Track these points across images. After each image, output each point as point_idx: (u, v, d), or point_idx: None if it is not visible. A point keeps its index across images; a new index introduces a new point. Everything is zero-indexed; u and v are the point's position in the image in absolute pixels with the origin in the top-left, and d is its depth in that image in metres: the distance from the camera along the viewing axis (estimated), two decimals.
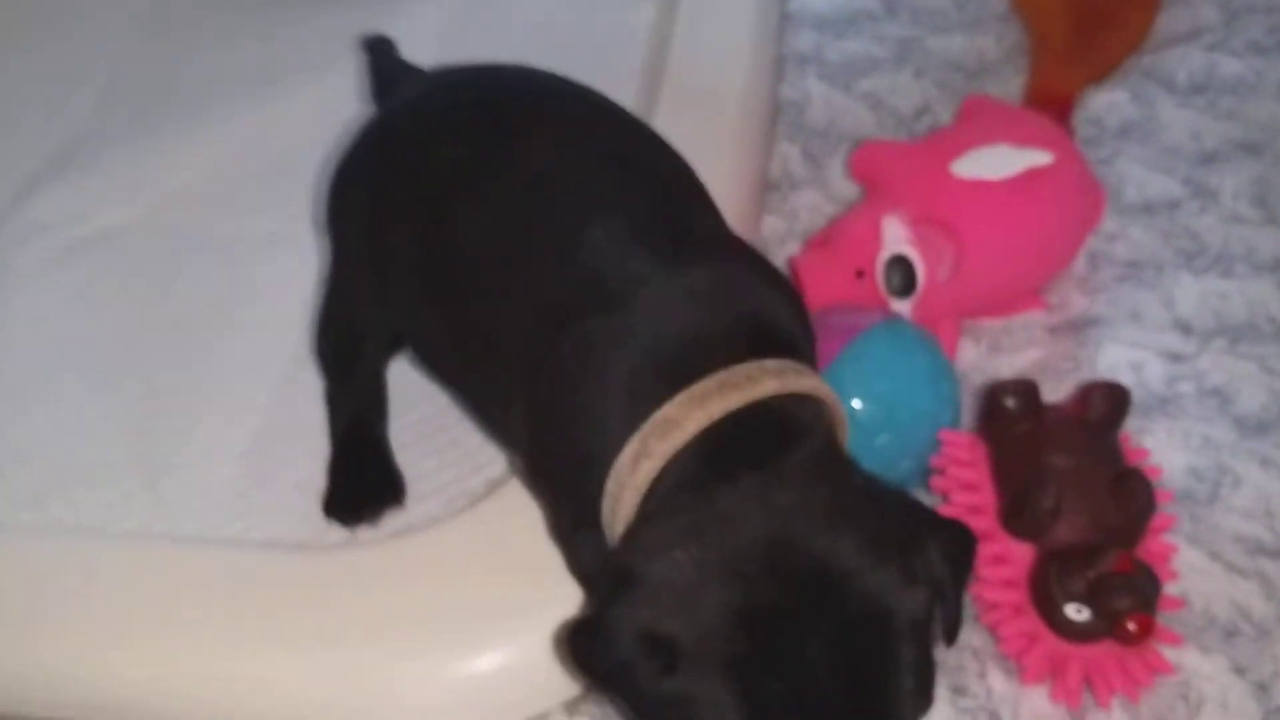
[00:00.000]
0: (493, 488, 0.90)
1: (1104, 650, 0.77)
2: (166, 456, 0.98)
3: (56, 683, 0.84)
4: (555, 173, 0.76)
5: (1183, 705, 0.77)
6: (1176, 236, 1.09)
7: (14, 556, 0.90)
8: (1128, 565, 0.77)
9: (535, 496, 0.79)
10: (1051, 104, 1.14)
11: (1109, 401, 0.84)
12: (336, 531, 0.92)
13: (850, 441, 0.72)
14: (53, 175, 1.19)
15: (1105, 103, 1.20)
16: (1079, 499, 0.78)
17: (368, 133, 0.88)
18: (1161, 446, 0.92)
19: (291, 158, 1.08)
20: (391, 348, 0.95)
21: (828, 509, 0.63)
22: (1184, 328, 1.01)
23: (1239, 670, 0.79)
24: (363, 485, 0.93)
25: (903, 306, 0.96)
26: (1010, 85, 1.23)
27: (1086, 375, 0.98)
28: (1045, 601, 0.78)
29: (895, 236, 0.96)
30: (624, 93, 1.04)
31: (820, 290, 0.96)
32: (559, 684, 0.81)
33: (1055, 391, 0.94)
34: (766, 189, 1.17)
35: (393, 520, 0.92)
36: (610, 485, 0.67)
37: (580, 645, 0.63)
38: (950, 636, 0.64)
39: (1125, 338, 1.01)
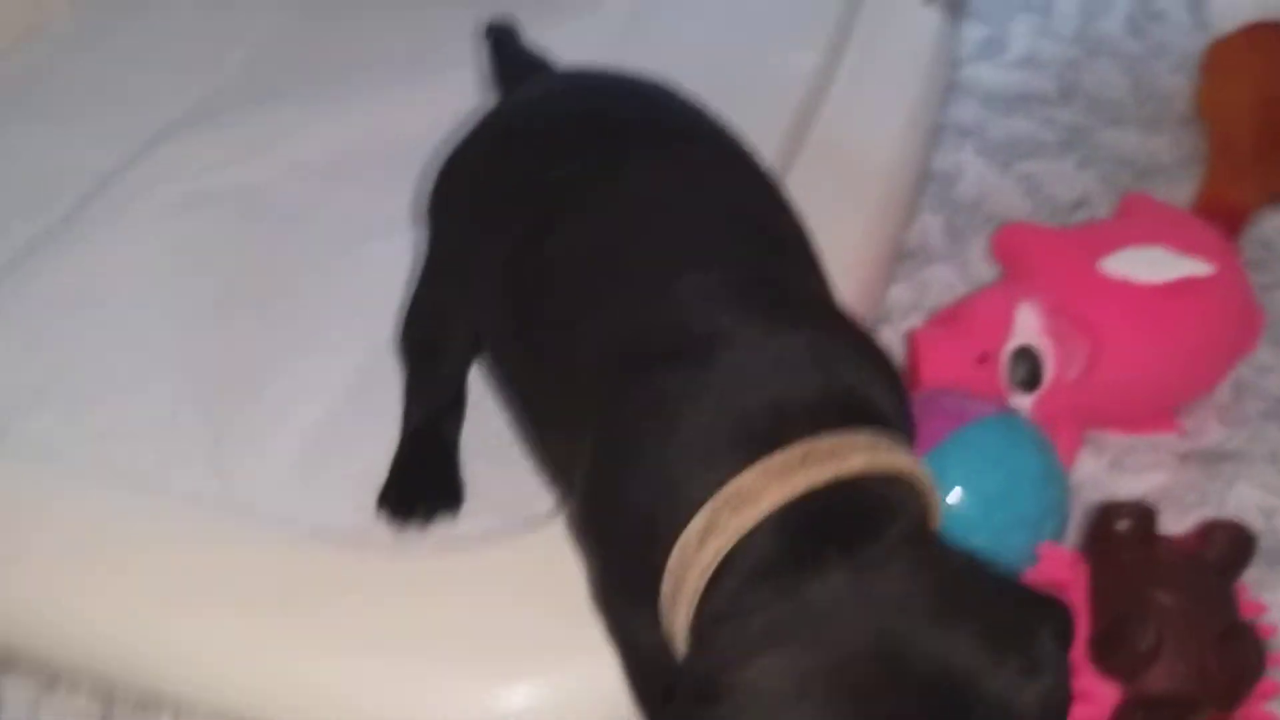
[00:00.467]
0: (555, 514, 0.85)
1: None
2: (233, 421, 0.95)
3: (72, 627, 0.81)
4: (663, 208, 0.71)
5: None
6: None
7: (58, 492, 0.87)
8: None
9: (581, 551, 0.73)
10: (1221, 216, 1.06)
11: (1232, 543, 0.76)
12: (384, 530, 0.87)
13: None
14: (187, 127, 1.19)
15: None
16: (1180, 645, 0.70)
17: (481, 128, 0.85)
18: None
19: (415, 146, 1.06)
20: (476, 350, 0.91)
21: (935, 600, 0.56)
22: None
23: None
24: (422, 486, 0.89)
25: (1023, 402, 0.89)
26: (1179, 191, 1.15)
27: (1212, 512, 0.90)
28: None
29: (1028, 325, 0.89)
30: (770, 133, 1.04)
31: (936, 370, 0.90)
32: None
33: (1175, 524, 0.86)
34: (900, 258, 1.11)
35: (443, 528, 0.87)
36: (673, 561, 0.60)
37: None
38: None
39: (1261, 479, 0.92)
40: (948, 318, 0.94)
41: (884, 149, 1.14)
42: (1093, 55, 1.34)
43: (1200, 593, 0.74)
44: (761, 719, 0.54)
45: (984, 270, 1.08)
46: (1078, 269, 0.91)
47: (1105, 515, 0.76)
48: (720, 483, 0.60)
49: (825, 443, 0.60)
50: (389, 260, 1.02)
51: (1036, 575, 0.78)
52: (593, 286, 0.70)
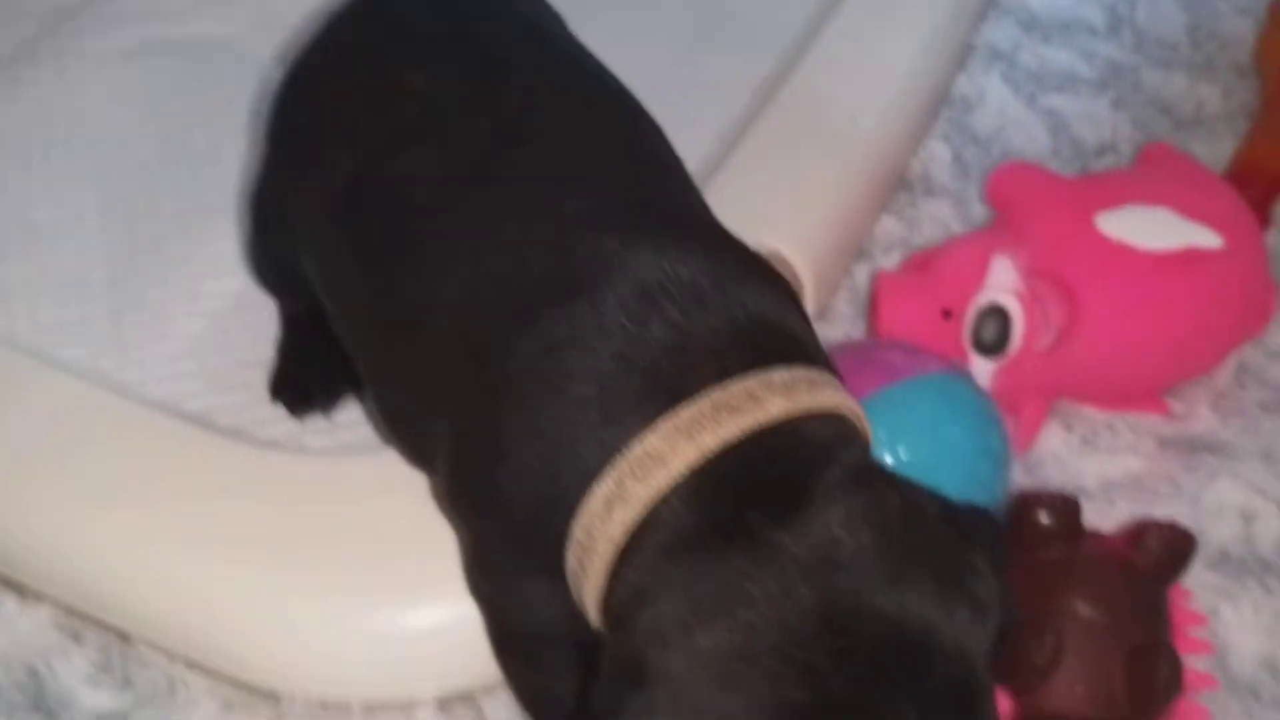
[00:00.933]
0: None
1: None
2: (141, 292, 0.90)
3: None
4: (537, 127, 0.63)
5: None
6: None
7: None
8: None
9: (454, 522, 0.65)
10: (1256, 182, 0.95)
11: (1167, 548, 0.67)
12: (282, 425, 0.81)
13: None
14: None
15: None
16: (1084, 663, 0.63)
17: (331, 29, 0.75)
18: (1239, 622, 0.75)
19: None
20: None
21: (878, 554, 0.50)
22: None
23: None
24: (315, 370, 0.82)
25: (985, 366, 0.80)
26: (1219, 149, 1.03)
27: (1185, 507, 0.81)
28: None
29: (1001, 281, 0.79)
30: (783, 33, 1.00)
31: (895, 321, 0.81)
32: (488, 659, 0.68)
33: (1137, 516, 0.78)
34: (896, 187, 1.01)
35: (336, 429, 0.81)
36: (578, 532, 0.53)
37: None
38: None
39: (1247, 477, 0.83)
40: (917, 264, 0.85)
41: (901, 66, 1.04)
42: None
43: (1122, 603, 0.65)
44: (702, 703, 0.48)
45: (983, 212, 0.98)
46: (1071, 224, 0.81)
47: (1025, 506, 0.67)
48: (623, 444, 0.53)
49: (737, 389, 0.53)
50: None
51: None
52: (455, 214, 0.62)
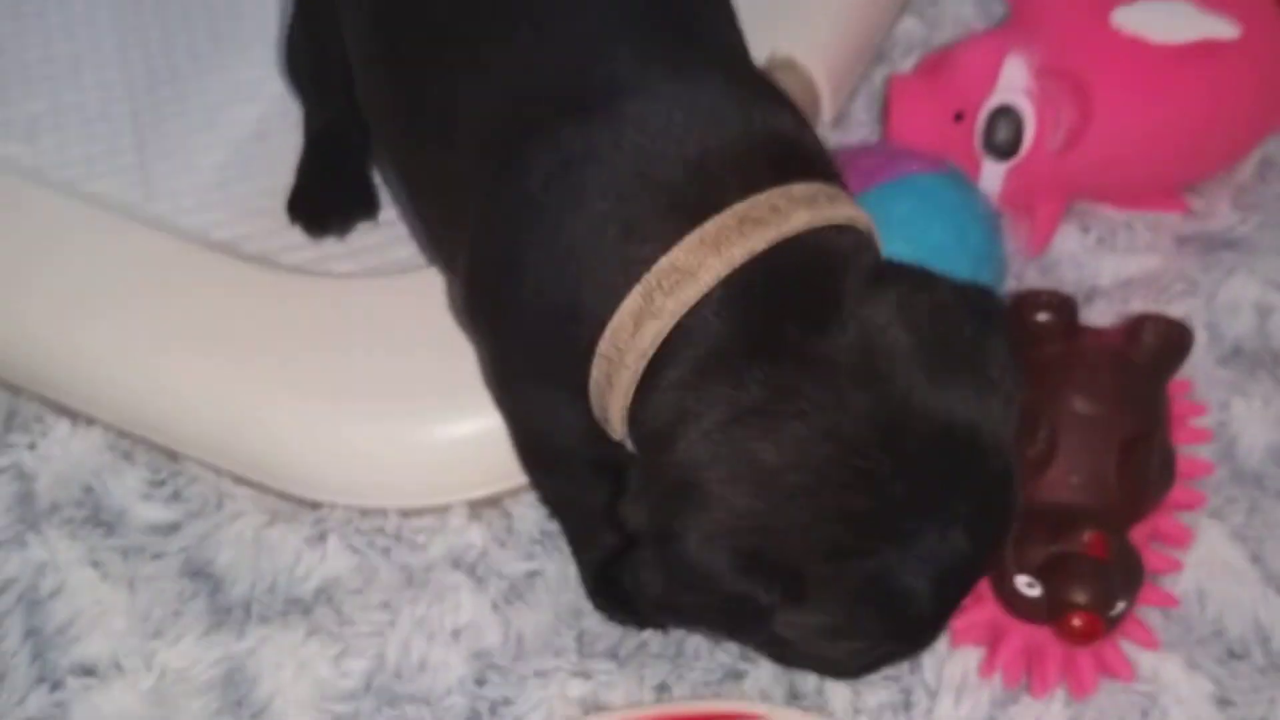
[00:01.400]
0: None
1: (1052, 635, 0.65)
2: (162, 124, 0.91)
3: None
4: None
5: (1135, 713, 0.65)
6: None
7: None
8: (1101, 550, 0.63)
9: (472, 334, 0.67)
10: None
11: (1163, 341, 0.68)
12: (303, 251, 0.83)
13: None
14: None
15: None
16: (1077, 455, 0.64)
17: None
18: (1250, 414, 0.76)
19: None
20: None
21: (916, 355, 0.52)
22: None
23: (1222, 702, 0.65)
24: (332, 191, 0.83)
25: (997, 169, 0.80)
26: None
27: (1200, 303, 0.82)
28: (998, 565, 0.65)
29: (1013, 81, 0.79)
30: None
31: (907, 123, 0.81)
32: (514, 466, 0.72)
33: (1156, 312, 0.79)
34: None
35: (363, 253, 0.83)
36: (604, 346, 0.54)
37: (653, 580, 0.53)
38: None
39: (1265, 272, 0.83)
40: (930, 66, 0.84)
41: None
42: None
43: (1114, 396, 0.66)
44: (760, 523, 0.50)
45: (1005, 11, 0.95)
46: (1085, 19, 0.80)
47: (1023, 304, 0.68)
48: (646, 259, 0.53)
49: (761, 202, 0.54)
50: None
51: None
52: (477, 28, 0.61)
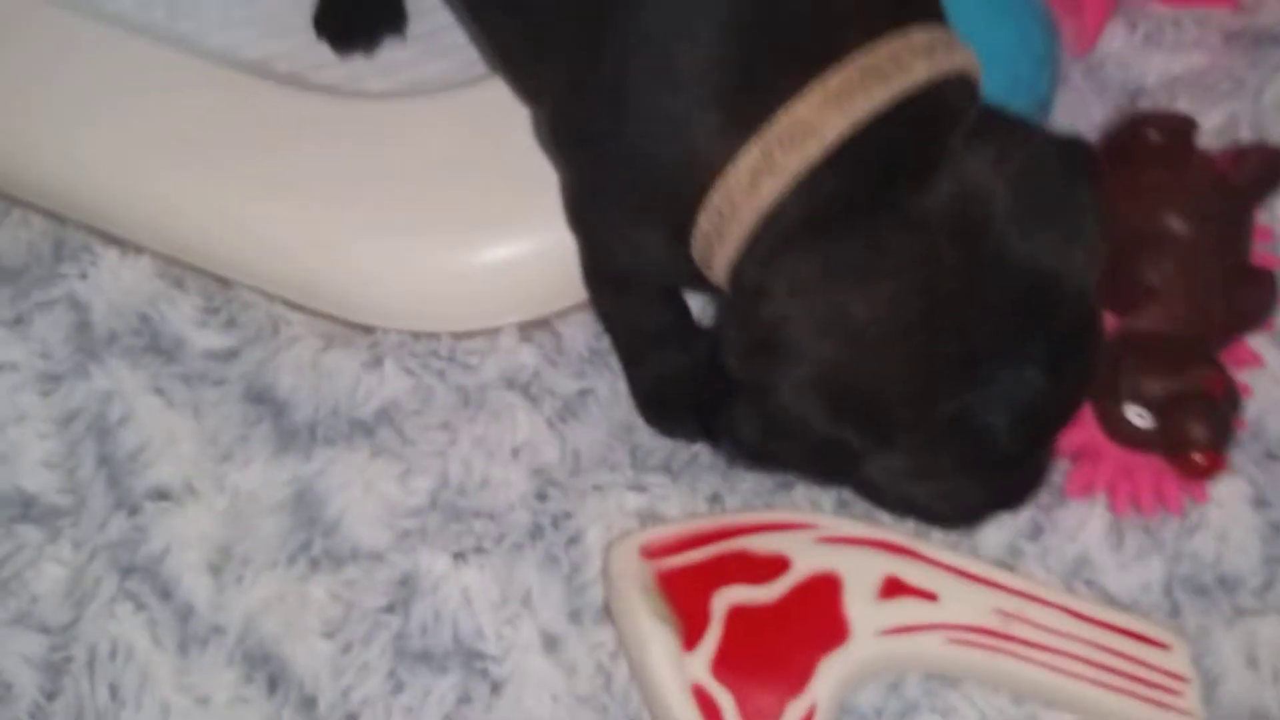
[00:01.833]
0: None
1: (1144, 458, 0.66)
2: None
3: (18, 153, 0.80)
4: None
5: (1177, 522, 0.68)
6: None
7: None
8: (1219, 388, 0.64)
9: (557, 159, 0.66)
10: None
11: (1266, 168, 0.67)
12: (334, 69, 0.82)
13: None
14: None
15: None
16: (1188, 282, 0.64)
17: None
18: None
19: None
20: None
21: (1009, 210, 0.53)
22: None
23: (1259, 503, 0.68)
24: (359, 6, 0.82)
25: None
26: None
27: (1244, 105, 0.81)
28: (1105, 389, 0.65)
29: None
30: None
31: None
32: (562, 288, 0.74)
33: (1201, 114, 0.77)
34: None
35: (396, 69, 0.82)
36: (718, 200, 0.54)
37: (750, 430, 0.55)
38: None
39: None
40: None
41: None
42: None
43: (1219, 225, 0.67)
44: (853, 373, 0.52)
45: None
46: None
47: (1136, 125, 0.67)
48: (767, 109, 0.52)
49: (884, 54, 0.53)
50: None
51: None
52: None
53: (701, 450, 0.71)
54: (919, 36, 0.53)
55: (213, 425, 0.72)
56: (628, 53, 0.55)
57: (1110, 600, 0.67)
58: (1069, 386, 0.55)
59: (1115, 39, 0.83)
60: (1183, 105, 0.80)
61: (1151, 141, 0.68)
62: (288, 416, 0.73)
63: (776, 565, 0.63)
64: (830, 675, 0.61)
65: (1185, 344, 0.66)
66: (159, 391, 0.73)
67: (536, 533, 0.68)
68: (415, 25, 0.84)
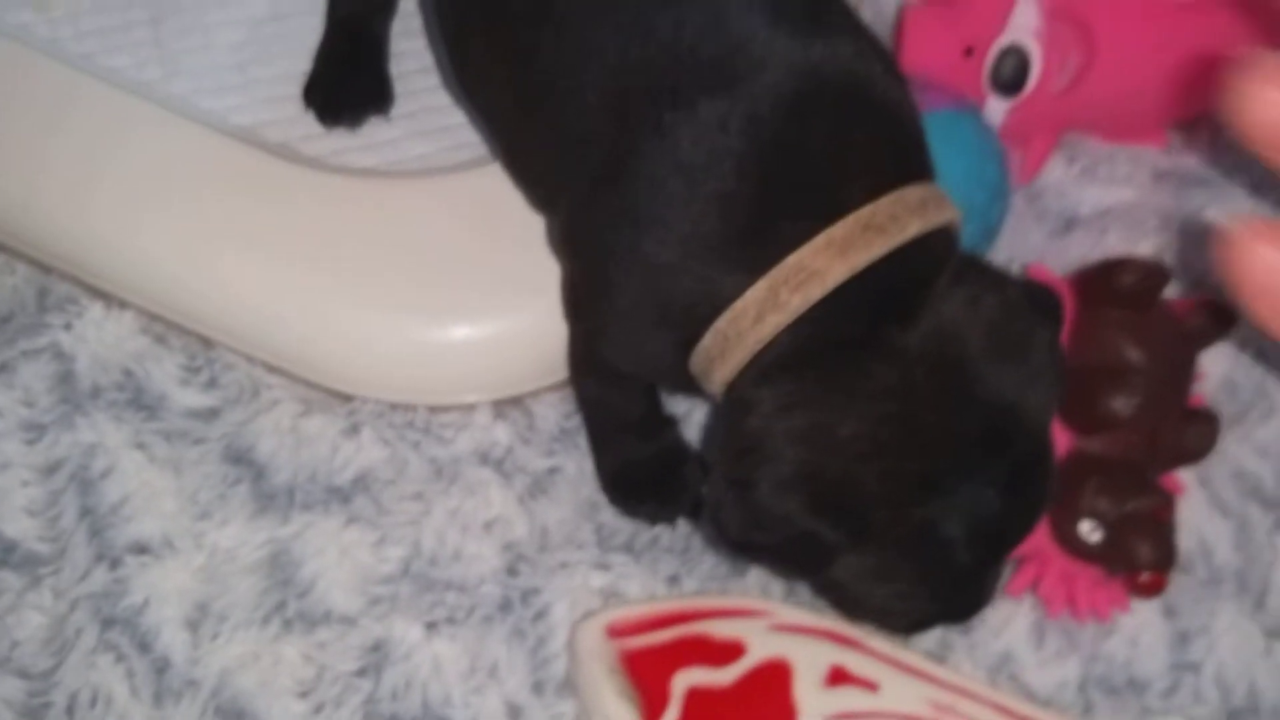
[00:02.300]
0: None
1: (1080, 569, 0.72)
2: (178, 0, 0.91)
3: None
4: None
5: (1093, 626, 0.74)
6: None
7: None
8: (1167, 515, 0.71)
9: (569, 261, 0.69)
10: None
11: (1216, 320, 0.74)
12: (322, 142, 0.86)
13: None
14: None
15: None
16: (1145, 414, 0.70)
17: None
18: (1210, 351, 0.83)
19: None
20: None
21: (983, 351, 0.59)
22: None
23: (1167, 612, 0.74)
24: (348, 81, 0.86)
25: (1000, 105, 0.84)
26: None
27: (1167, 236, 0.88)
28: (1064, 503, 0.70)
29: (1023, 23, 0.82)
30: None
31: (919, 55, 0.84)
32: (536, 370, 0.78)
33: (1131, 245, 0.85)
34: None
35: (383, 147, 0.85)
36: (723, 325, 0.59)
37: (731, 522, 0.59)
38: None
39: (1235, 208, 0.89)
40: (947, 0, 0.87)
41: None
42: None
43: (1173, 365, 0.73)
44: (833, 477, 0.57)
45: None
46: None
47: (1113, 268, 0.73)
48: (776, 249, 0.58)
49: (883, 211, 0.58)
50: None
51: None
52: None
53: (662, 532, 0.76)
54: (913, 194, 0.59)
55: (193, 483, 0.75)
56: (653, 179, 0.59)
57: (1030, 695, 0.72)
58: (1022, 510, 0.61)
59: (1055, 170, 0.90)
60: (1113, 236, 0.87)
61: (1125, 284, 0.74)
62: (267, 479, 0.75)
63: (733, 650, 0.68)
64: None
65: (1138, 469, 0.72)
66: (141, 447, 0.76)
67: (506, 606, 0.72)
68: (404, 105, 0.88)
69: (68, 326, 0.79)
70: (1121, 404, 0.70)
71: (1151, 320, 0.74)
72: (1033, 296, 0.62)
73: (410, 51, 0.89)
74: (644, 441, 0.74)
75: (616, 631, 0.68)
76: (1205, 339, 0.76)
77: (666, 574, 0.74)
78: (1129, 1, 0.83)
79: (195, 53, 0.89)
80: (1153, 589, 0.71)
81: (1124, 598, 0.73)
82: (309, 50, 0.88)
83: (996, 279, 0.61)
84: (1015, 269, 0.83)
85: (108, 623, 0.70)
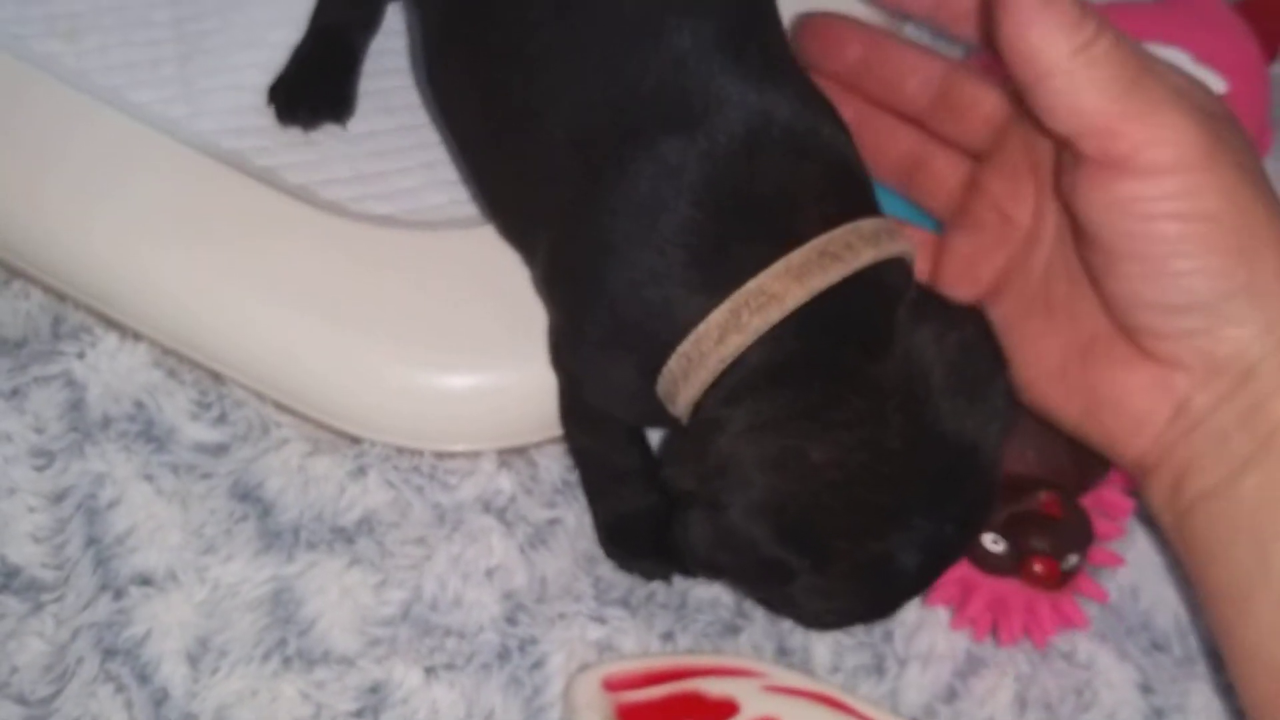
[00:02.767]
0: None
1: (1015, 588, 0.75)
2: (204, 38, 0.93)
3: (27, 230, 0.83)
4: None
5: (1074, 699, 0.76)
6: None
7: (26, 90, 0.86)
8: (1056, 509, 0.74)
9: (550, 304, 0.73)
10: (1270, 14, 1.00)
11: None
12: (342, 187, 0.87)
13: None
14: None
15: None
16: (1033, 433, 0.73)
17: None
18: None
19: None
20: None
21: (945, 386, 0.62)
22: None
23: (1145, 689, 0.77)
24: (313, 86, 0.89)
25: None
26: None
27: None
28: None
29: None
30: None
31: None
32: (541, 421, 0.79)
33: None
34: None
35: (399, 196, 0.87)
36: (687, 348, 0.62)
37: (700, 541, 0.62)
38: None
39: None
40: None
41: None
42: None
43: None
44: (800, 504, 0.60)
45: None
46: None
47: None
48: (735, 275, 0.61)
49: (838, 238, 0.62)
50: None
51: None
52: (570, 34, 0.66)
53: (658, 588, 0.77)
54: (867, 225, 0.63)
55: (199, 517, 0.76)
56: (616, 214, 0.63)
57: None
58: (968, 535, 0.65)
59: None
60: None
61: None
62: (273, 517, 0.76)
63: (726, 709, 0.69)
64: None
65: (1034, 481, 0.75)
66: (149, 478, 0.77)
67: (504, 655, 0.73)
68: (421, 156, 0.90)
69: (81, 355, 0.80)
70: None
71: None
72: (988, 335, 0.65)
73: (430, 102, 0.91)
74: (638, 496, 0.76)
75: (612, 685, 0.70)
76: None
77: (661, 630, 0.76)
78: None
79: (221, 93, 0.91)
80: (1048, 578, 0.73)
81: (1078, 615, 0.76)
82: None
83: (956, 314, 0.65)
84: None
85: (109, 653, 0.71)
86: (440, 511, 0.78)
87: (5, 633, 0.71)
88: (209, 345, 0.81)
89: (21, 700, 0.69)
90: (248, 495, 0.77)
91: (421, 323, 0.81)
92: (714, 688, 0.70)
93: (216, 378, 0.81)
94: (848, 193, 0.64)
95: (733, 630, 0.76)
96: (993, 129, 0.73)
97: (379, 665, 0.72)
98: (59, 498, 0.75)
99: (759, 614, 0.76)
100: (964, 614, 0.76)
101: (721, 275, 0.61)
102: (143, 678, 0.70)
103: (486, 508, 0.78)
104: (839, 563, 0.61)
